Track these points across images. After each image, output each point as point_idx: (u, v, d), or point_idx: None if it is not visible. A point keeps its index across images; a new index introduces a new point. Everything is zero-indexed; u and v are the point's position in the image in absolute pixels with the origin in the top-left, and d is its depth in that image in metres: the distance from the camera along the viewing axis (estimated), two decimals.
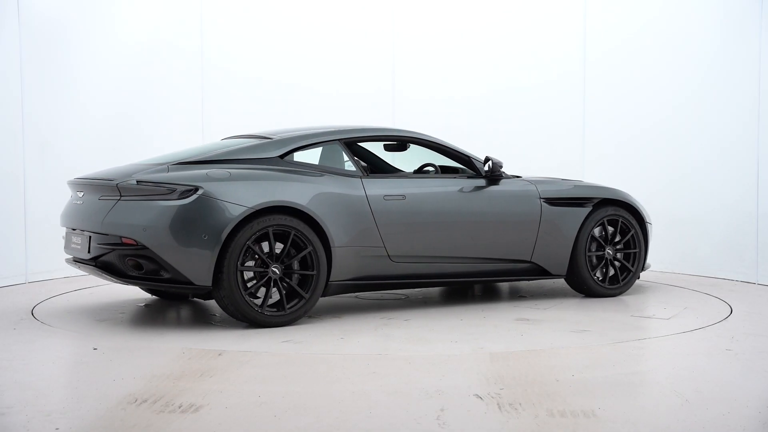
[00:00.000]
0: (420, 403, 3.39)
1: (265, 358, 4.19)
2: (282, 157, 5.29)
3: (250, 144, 5.40)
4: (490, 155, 6.02)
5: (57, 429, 3.07)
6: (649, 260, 6.68)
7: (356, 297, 6.21)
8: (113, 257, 4.93)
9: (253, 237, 4.87)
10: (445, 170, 6.00)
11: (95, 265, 5.06)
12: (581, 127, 8.30)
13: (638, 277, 6.28)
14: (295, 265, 5.03)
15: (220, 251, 4.79)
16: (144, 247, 4.77)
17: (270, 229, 4.92)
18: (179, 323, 5.18)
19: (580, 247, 5.96)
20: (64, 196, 7.17)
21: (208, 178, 4.92)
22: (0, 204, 6.85)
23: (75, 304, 5.97)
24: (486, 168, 5.81)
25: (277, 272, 4.96)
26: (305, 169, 5.28)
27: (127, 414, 3.25)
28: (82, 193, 5.29)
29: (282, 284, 4.99)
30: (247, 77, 8.62)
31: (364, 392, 3.56)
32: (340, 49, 8.67)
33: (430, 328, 5.00)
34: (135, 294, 6.31)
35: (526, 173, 6.91)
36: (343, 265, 5.20)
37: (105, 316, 5.45)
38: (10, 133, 6.93)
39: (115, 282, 5.02)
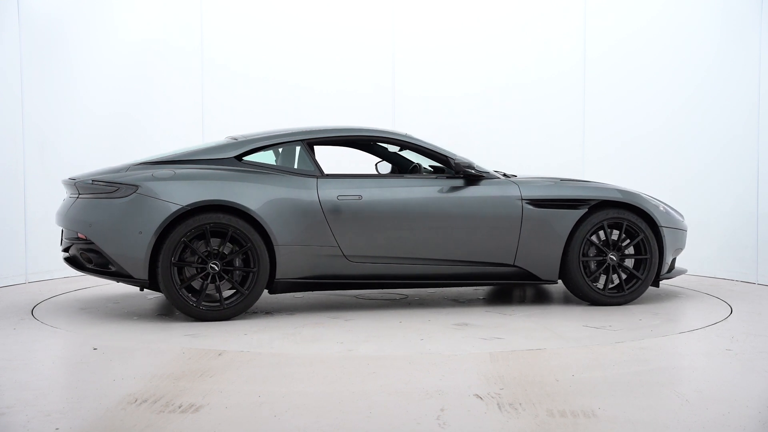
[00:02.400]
0: (420, 403, 3.39)
1: (265, 358, 4.20)
2: (239, 157, 5.48)
3: (212, 145, 5.62)
4: (458, 154, 5.74)
5: (57, 429, 3.07)
6: (683, 265, 6.43)
7: (356, 297, 6.21)
8: (74, 251, 5.40)
9: (189, 234, 5.13)
10: (437, 170, 5.93)
11: (66, 258, 5.55)
12: (581, 126, 8.30)
13: (656, 285, 5.87)
14: (237, 262, 5.23)
15: (156, 247, 5.12)
16: (91, 242, 5.21)
17: (207, 227, 5.15)
18: (179, 323, 5.18)
19: (573, 251, 5.63)
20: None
21: (152, 178, 5.23)
22: (0, 204, 6.85)
23: (75, 304, 5.97)
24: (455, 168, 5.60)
25: (216, 268, 5.17)
26: (259, 169, 5.43)
27: (127, 414, 3.25)
28: (67, 192, 5.67)
29: (218, 281, 5.20)
30: (247, 76, 8.62)
31: (364, 392, 3.56)
32: (340, 47, 8.67)
33: (348, 329, 4.99)
34: (135, 294, 6.31)
35: (526, 172, 6.91)
36: (291, 263, 5.30)
37: (105, 316, 5.45)
38: (10, 132, 6.94)
39: (88, 275, 5.47)
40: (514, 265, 5.61)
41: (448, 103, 8.59)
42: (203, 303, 5.20)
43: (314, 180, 5.44)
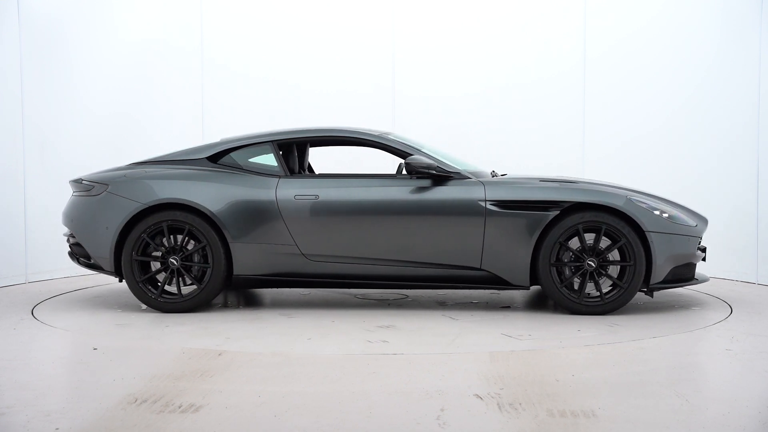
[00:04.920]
0: (420, 403, 3.39)
1: (265, 358, 4.20)
2: (211, 158, 5.74)
3: (193, 147, 5.95)
4: (415, 156, 5.52)
5: (57, 429, 3.07)
6: (705, 272, 6.09)
7: (356, 297, 6.21)
8: (70, 244, 5.94)
9: (148, 230, 5.49)
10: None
11: (68, 252, 6.00)
12: (581, 126, 8.30)
13: (650, 295, 5.54)
14: (196, 258, 5.52)
15: (119, 242, 5.52)
16: (74, 236, 5.75)
17: (165, 224, 5.49)
18: (179, 323, 5.19)
19: (543, 256, 5.32)
20: (64, 196, 7.17)
21: (122, 178, 5.66)
22: (0, 204, 6.85)
23: (75, 304, 5.97)
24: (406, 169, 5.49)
25: (175, 263, 5.49)
26: (227, 169, 5.67)
27: (127, 414, 3.25)
28: None
29: (176, 275, 5.53)
30: (247, 76, 8.62)
31: (364, 392, 3.56)
32: (340, 47, 8.67)
33: (273, 322, 5.19)
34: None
35: (525, 172, 6.90)
36: (248, 260, 5.49)
37: (105, 316, 5.46)
38: (10, 132, 6.94)
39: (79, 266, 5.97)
40: (481, 269, 5.41)
41: (448, 103, 8.58)
42: (162, 296, 5.52)
43: (275, 180, 5.57)
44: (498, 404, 3.37)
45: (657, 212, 5.40)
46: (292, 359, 4.19)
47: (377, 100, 8.60)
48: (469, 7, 8.66)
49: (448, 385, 3.65)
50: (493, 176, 5.72)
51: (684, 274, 5.53)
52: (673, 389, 3.59)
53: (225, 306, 5.87)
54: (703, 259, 5.69)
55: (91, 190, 5.70)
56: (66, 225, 5.84)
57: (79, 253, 5.78)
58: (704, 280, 5.70)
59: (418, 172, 5.45)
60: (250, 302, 6.06)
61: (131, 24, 8.14)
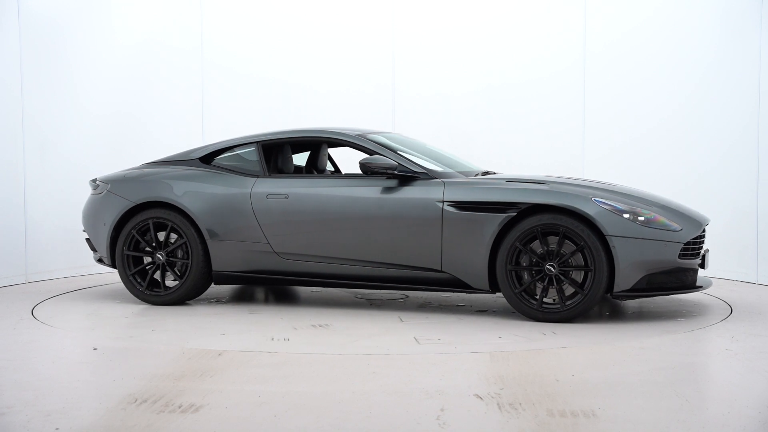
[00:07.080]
0: (420, 403, 3.39)
1: (265, 358, 4.20)
2: (203, 159, 5.99)
3: (190, 149, 6.24)
4: (373, 156, 5.48)
5: (57, 429, 3.07)
6: (708, 275, 5.83)
7: (357, 297, 6.21)
8: (86, 239, 6.30)
9: (137, 227, 5.80)
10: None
11: None
12: (581, 124, 8.29)
13: (619, 301, 5.26)
14: (179, 254, 5.77)
15: (114, 237, 5.86)
16: (85, 231, 6.21)
17: (151, 221, 5.78)
18: (179, 323, 5.19)
19: (500, 259, 5.12)
20: (64, 196, 7.18)
21: (122, 178, 6.01)
22: (0, 204, 6.85)
23: (75, 304, 5.98)
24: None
25: (162, 258, 5.76)
26: (214, 169, 5.88)
27: (127, 414, 3.25)
28: None
29: (161, 270, 5.79)
30: (247, 75, 8.61)
31: (364, 392, 3.56)
32: (340, 47, 8.67)
33: (225, 317, 5.40)
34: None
35: (526, 171, 6.90)
36: (226, 257, 5.68)
37: (105, 317, 5.46)
38: (10, 132, 6.93)
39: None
40: (442, 271, 5.29)
41: (448, 102, 8.58)
42: (149, 289, 5.81)
43: (253, 180, 5.72)
44: (498, 404, 3.37)
45: (627, 216, 5.01)
46: (292, 359, 4.19)
47: (377, 100, 8.60)
48: (468, 5, 8.66)
49: (448, 385, 3.65)
50: (477, 176, 5.61)
51: (667, 283, 5.12)
52: (673, 389, 3.59)
53: (215, 302, 5.88)
54: (701, 266, 5.38)
55: (97, 189, 6.09)
56: (82, 222, 6.26)
57: (90, 246, 6.19)
58: (708, 285, 5.41)
59: (375, 173, 5.39)
60: (244, 297, 6.07)
61: (131, 24, 8.14)
